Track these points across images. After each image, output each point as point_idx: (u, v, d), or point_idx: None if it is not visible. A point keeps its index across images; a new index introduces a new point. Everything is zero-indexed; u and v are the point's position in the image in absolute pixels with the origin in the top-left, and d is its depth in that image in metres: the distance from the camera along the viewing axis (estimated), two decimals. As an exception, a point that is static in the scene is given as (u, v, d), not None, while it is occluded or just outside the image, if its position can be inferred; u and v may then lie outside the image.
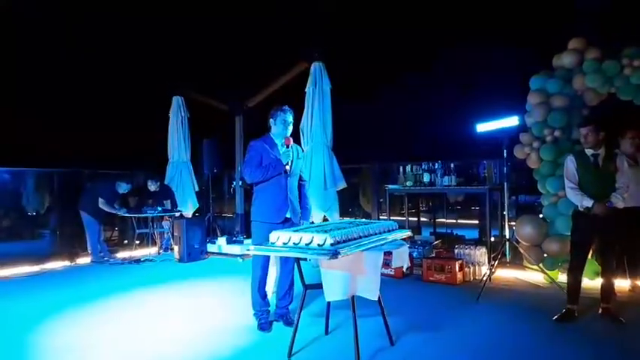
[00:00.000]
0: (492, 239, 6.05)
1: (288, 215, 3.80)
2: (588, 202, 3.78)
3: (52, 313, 4.45)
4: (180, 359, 3.26)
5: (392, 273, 5.58)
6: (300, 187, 4.04)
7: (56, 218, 8.06)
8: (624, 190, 3.82)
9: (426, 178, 6.17)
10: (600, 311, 3.94)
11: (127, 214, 7.52)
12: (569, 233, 4.86)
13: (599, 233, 3.93)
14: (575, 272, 3.98)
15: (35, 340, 3.71)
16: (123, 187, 7.44)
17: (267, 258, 3.84)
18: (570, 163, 3.97)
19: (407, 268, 5.37)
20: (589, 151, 3.90)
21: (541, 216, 5.56)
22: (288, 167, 3.77)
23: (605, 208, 3.74)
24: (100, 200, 7.12)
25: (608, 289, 3.94)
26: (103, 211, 7.23)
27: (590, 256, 4.74)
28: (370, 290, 3.04)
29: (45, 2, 6.70)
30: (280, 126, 3.82)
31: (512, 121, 4.96)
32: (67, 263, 7.11)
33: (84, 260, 7.26)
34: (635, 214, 4.34)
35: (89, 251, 7.26)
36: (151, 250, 7.83)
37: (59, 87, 8.61)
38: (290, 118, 3.85)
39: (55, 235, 7.96)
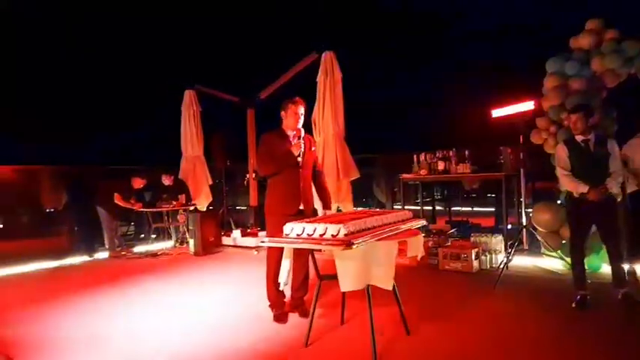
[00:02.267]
0: (509, 226, 5.97)
1: (301, 207, 3.78)
2: (584, 188, 3.76)
3: (69, 306, 4.52)
4: (198, 351, 3.28)
5: (407, 263, 5.55)
6: (316, 176, 4.01)
7: (74, 214, 8.17)
8: (618, 174, 3.80)
9: (441, 166, 6.09)
10: (620, 296, 3.87)
11: (142, 210, 7.60)
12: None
13: (596, 218, 3.88)
14: (577, 257, 3.96)
15: (53, 332, 3.78)
16: (138, 183, 7.53)
17: (282, 250, 3.83)
18: (562, 151, 3.96)
19: (422, 258, 5.33)
20: (579, 138, 3.90)
21: (559, 202, 5.45)
22: (300, 159, 3.74)
23: (600, 194, 3.71)
24: (116, 196, 7.23)
25: (618, 274, 3.87)
26: (119, 207, 7.33)
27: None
28: (385, 280, 3.01)
29: (57, 4, 6.77)
30: (291, 118, 3.79)
31: (528, 106, 4.85)
32: (85, 258, 7.22)
33: (102, 255, 7.37)
34: None
35: (106, 246, 7.37)
36: (167, 244, 7.91)
37: (76, 86, 8.71)
38: (301, 109, 3.82)
39: (73, 231, 8.08)
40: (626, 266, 3.99)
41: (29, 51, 7.71)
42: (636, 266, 4.37)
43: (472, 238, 5.67)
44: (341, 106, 6.35)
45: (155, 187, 8.13)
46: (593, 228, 4.02)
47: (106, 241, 7.37)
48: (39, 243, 7.96)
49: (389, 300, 3.41)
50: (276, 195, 3.80)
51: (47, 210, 8.69)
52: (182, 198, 7.85)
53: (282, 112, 3.84)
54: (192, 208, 8.01)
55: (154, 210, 7.66)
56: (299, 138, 3.78)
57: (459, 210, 8.34)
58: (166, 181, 8.03)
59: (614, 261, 3.86)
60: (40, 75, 8.27)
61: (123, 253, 7.38)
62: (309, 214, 3.80)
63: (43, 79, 8.36)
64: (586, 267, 4.01)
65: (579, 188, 3.79)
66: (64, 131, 9.12)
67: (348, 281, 2.96)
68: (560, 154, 3.97)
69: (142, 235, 8.84)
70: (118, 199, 7.24)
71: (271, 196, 3.83)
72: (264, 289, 3.91)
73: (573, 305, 3.82)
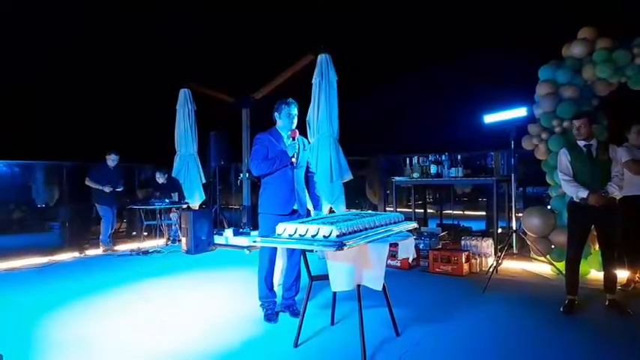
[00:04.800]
0: (499, 231, 6.03)
1: (295, 207, 3.81)
2: (583, 193, 3.79)
3: (60, 304, 4.51)
4: (188, 350, 3.29)
5: (398, 264, 5.59)
6: (309, 178, 4.04)
7: (66, 210, 8.13)
8: (620, 178, 3.84)
9: (433, 169, 6.15)
10: (607, 303, 3.93)
11: (120, 188, 7.33)
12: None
13: (597, 224, 3.93)
14: (573, 263, 3.99)
15: (42, 331, 3.76)
16: (113, 159, 7.30)
17: (274, 249, 3.86)
18: (564, 157, 3.98)
19: (413, 260, 5.38)
20: (581, 143, 3.93)
21: (549, 207, 5.52)
22: (294, 160, 3.77)
23: (600, 198, 3.74)
24: (87, 179, 7.05)
25: (611, 280, 3.93)
26: (112, 199, 7.22)
27: (597, 247, 4.71)
28: (375, 281, 3.05)
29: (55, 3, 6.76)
30: (285, 119, 3.81)
31: (520, 112, 4.92)
32: (76, 255, 7.19)
33: (93, 252, 7.33)
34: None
35: (100, 239, 7.30)
36: (159, 242, 7.89)
37: (70, 82, 8.66)
38: (294, 110, 3.84)
39: (65, 227, 8.03)
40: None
41: (25, 48, 7.68)
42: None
43: (463, 242, 5.72)
44: (335, 107, 6.38)
45: (148, 184, 8.11)
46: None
47: (101, 236, 7.29)
48: (30, 238, 7.90)
49: (379, 301, 3.45)
50: (269, 195, 3.82)
51: (39, 205, 8.64)
52: (175, 196, 7.83)
53: (276, 114, 3.86)
54: (184, 206, 8.00)
55: (147, 207, 7.62)
56: (294, 139, 3.81)
57: (450, 213, 8.39)
58: (160, 179, 8.01)
59: (609, 267, 3.91)
60: (34, 71, 8.23)
61: (115, 248, 7.31)
62: (303, 215, 3.82)
63: (38, 75, 8.33)
64: None
65: (579, 193, 3.82)
66: (57, 127, 9.07)
67: (339, 282, 2.99)
68: (562, 159, 3.99)
69: (134, 233, 8.81)
70: (88, 182, 7.05)
71: (265, 196, 3.85)
72: (256, 289, 3.93)
73: (561, 309, 3.87)
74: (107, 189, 7.23)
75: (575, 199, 3.91)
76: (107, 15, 7.07)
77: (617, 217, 3.98)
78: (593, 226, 4.02)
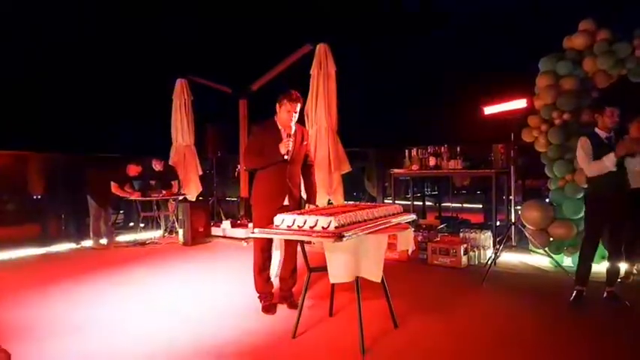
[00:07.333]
0: (498, 223, 6.02)
1: (285, 203, 3.74)
2: (612, 158, 3.64)
3: (56, 293, 4.49)
4: (185, 341, 3.27)
5: (396, 256, 5.58)
6: (306, 170, 3.98)
7: (62, 202, 8.08)
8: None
9: (432, 161, 6.12)
10: (605, 295, 3.92)
11: (141, 199, 7.39)
12: (578, 217, 4.81)
13: (612, 217, 3.86)
14: (589, 255, 3.93)
15: (37, 319, 3.75)
16: (133, 170, 7.31)
17: (269, 241, 3.81)
18: (587, 143, 3.84)
19: (411, 252, 5.36)
20: (602, 134, 3.84)
21: (548, 200, 5.51)
22: (287, 157, 3.65)
23: (625, 147, 3.62)
24: (113, 185, 7.04)
25: (614, 274, 3.92)
26: (108, 196, 7.15)
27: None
28: (373, 272, 3.02)
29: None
30: (284, 114, 3.66)
31: (520, 104, 4.88)
32: (72, 245, 7.15)
33: (90, 243, 7.28)
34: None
35: (90, 236, 7.23)
36: (156, 233, 7.86)
37: (64, 73, 8.59)
38: (297, 108, 3.68)
39: (61, 218, 8.00)
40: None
41: (21, 39, 7.61)
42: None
43: (461, 234, 5.71)
44: (334, 99, 6.32)
45: (144, 174, 8.02)
46: None
47: (91, 231, 7.20)
48: (26, 229, 7.86)
49: (378, 293, 3.43)
50: (261, 188, 3.77)
51: (35, 196, 8.58)
52: (174, 185, 7.76)
53: (277, 105, 3.71)
54: (181, 197, 7.96)
55: (144, 199, 7.56)
56: (288, 136, 3.67)
57: (448, 206, 8.39)
58: (157, 166, 7.89)
59: (614, 260, 3.90)
60: (29, 62, 8.16)
61: (110, 241, 7.24)
62: (294, 209, 3.75)
63: (33, 66, 8.25)
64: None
65: (608, 162, 3.65)
66: (53, 118, 9.01)
67: (337, 273, 2.96)
68: (587, 145, 3.82)
69: (131, 224, 8.77)
70: (115, 189, 7.06)
71: (257, 189, 3.80)
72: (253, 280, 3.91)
73: (571, 300, 3.85)
74: (135, 195, 7.29)
75: (611, 167, 3.70)
76: (104, 7, 7.00)
77: (629, 212, 3.93)
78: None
